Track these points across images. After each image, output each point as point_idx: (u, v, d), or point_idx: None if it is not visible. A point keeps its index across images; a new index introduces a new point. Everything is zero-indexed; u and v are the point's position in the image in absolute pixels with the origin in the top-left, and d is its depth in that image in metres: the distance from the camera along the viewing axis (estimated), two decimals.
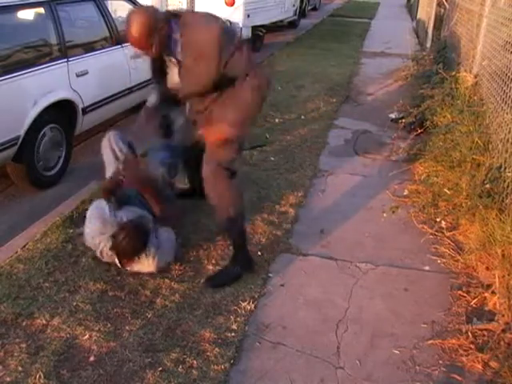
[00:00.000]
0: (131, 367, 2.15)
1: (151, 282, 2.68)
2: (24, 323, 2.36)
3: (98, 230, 2.66)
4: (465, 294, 2.66)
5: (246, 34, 8.63)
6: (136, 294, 2.60)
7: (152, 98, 2.86)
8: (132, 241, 2.56)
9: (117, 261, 2.65)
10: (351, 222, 3.41)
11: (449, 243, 3.11)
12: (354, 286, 2.75)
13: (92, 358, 2.18)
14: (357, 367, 2.21)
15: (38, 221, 3.27)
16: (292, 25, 12.74)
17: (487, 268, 2.72)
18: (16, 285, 2.62)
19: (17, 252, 2.89)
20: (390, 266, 2.93)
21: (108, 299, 2.54)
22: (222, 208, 2.61)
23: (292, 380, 2.13)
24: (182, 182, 3.42)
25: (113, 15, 4.69)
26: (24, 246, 2.94)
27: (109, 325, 2.37)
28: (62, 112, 3.92)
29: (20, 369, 2.11)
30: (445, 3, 7.36)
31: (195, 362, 2.18)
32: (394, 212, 3.34)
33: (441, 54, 6.11)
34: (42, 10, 3.82)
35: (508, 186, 2.82)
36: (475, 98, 4.07)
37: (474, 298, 2.61)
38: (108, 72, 4.45)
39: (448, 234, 3.18)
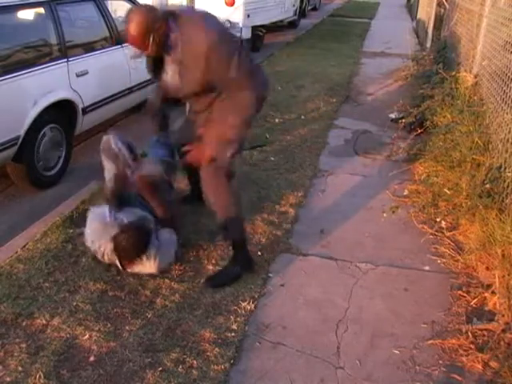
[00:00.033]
0: (131, 367, 2.15)
1: (151, 282, 2.68)
2: (24, 323, 2.36)
3: (98, 233, 2.65)
4: (465, 294, 2.66)
5: (246, 34, 8.63)
6: (136, 294, 2.60)
7: (152, 97, 2.87)
8: (133, 242, 2.56)
9: (118, 263, 2.65)
10: (351, 222, 3.41)
11: (449, 243, 3.11)
12: (354, 285, 2.75)
13: (92, 358, 2.19)
14: (357, 367, 2.21)
15: (37, 221, 3.27)
16: (292, 25, 12.75)
17: (487, 268, 2.72)
18: (16, 285, 2.62)
19: (17, 252, 2.89)
20: (389, 266, 2.93)
21: (108, 299, 2.54)
22: (221, 209, 2.61)
23: (292, 380, 2.13)
24: (182, 182, 3.42)
25: (113, 15, 4.70)
26: (24, 246, 2.94)
27: (109, 325, 2.37)
28: (61, 112, 3.92)
29: (20, 369, 2.11)
30: (445, 3, 7.36)
31: (195, 362, 2.18)
32: (393, 212, 3.34)
33: (441, 54, 6.11)
34: (41, 10, 3.82)
35: (508, 186, 2.82)
36: (475, 98, 4.07)
37: (474, 298, 2.61)
38: (108, 72, 4.45)
39: (448, 234, 3.18)
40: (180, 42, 2.25)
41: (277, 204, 3.56)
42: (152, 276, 2.70)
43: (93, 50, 4.34)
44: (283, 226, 3.29)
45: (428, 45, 8.43)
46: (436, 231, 3.22)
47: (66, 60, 3.92)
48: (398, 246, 3.13)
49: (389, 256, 3.03)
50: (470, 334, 2.37)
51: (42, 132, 3.73)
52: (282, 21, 11.47)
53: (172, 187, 3.08)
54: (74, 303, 2.50)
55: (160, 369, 2.14)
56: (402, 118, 4.93)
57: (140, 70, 4.54)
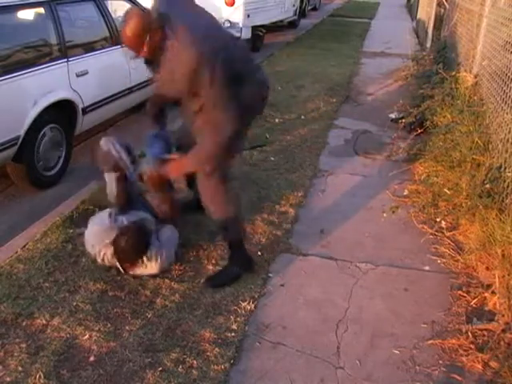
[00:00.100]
0: (131, 367, 2.15)
1: (151, 282, 2.68)
2: (24, 323, 2.36)
3: (98, 237, 2.65)
4: (465, 294, 2.66)
5: (246, 34, 8.63)
6: (136, 294, 2.60)
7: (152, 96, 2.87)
8: (132, 243, 2.56)
9: (119, 266, 2.65)
10: (351, 222, 3.41)
11: (449, 243, 3.11)
12: (354, 285, 2.75)
13: (92, 358, 2.19)
14: (357, 367, 2.21)
15: (38, 221, 3.27)
16: (292, 25, 12.74)
17: (487, 268, 2.72)
18: (16, 285, 2.62)
19: (17, 252, 2.89)
20: (390, 266, 2.93)
21: (108, 299, 2.55)
22: (218, 212, 2.63)
23: (292, 380, 2.13)
24: (181, 182, 3.42)
25: (113, 15, 4.70)
26: (24, 246, 2.94)
27: (109, 325, 2.37)
28: (61, 112, 3.92)
29: (20, 369, 2.11)
30: (445, 3, 7.36)
31: (195, 362, 2.18)
32: (393, 212, 3.34)
33: (441, 54, 6.11)
34: (41, 10, 3.82)
35: (508, 186, 2.82)
36: (475, 98, 4.07)
37: (474, 298, 2.61)
38: (108, 72, 4.45)
39: (448, 233, 3.18)
40: (170, 53, 2.25)
41: (277, 204, 3.56)
42: (152, 276, 2.70)
43: (93, 50, 4.34)
44: (283, 225, 3.29)
45: (428, 45, 8.43)
46: (436, 231, 3.22)
47: (65, 60, 3.92)
48: (398, 246, 3.13)
49: (389, 256, 3.03)
50: (470, 333, 2.37)
51: (42, 132, 3.73)
52: (282, 21, 11.47)
53: (172, 187, 3.08)
54: (74, 303, 2.50)
55: (160, 369, 2.14)
56: (402, 117, 4.93)
57: (140, 70, 4.58)
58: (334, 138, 4.99)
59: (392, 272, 2.89)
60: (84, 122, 4.20)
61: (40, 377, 2.06)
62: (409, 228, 3.34)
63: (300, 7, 13.20)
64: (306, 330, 2.42)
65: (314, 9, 17.21)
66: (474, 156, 3.33)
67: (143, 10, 2.35)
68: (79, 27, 4.49)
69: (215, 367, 2.15)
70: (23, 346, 2.23)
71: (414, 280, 2.82)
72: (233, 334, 2.34)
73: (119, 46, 4.59)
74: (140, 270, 2.67)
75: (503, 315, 2.40)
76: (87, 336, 2.30)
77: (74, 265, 2.80)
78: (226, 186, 2.60)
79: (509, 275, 2.46)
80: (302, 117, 5.56)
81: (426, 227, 3.29)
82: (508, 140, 2.97)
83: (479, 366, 2.20)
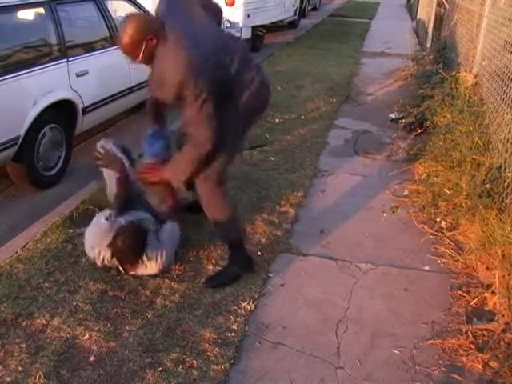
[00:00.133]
0: (131, 367, 2.15)
1: (151, 282, 2.68)
2: (24, 323, 2.36)
3: (97, 238, 2.65)
4: (465, 294, 2.66)
5: (246, 34, 8.63)
6: (136, 294, 2.60)
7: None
8: (129, 243, 2.56)
9: (120, 267, 2.65)
10: (351, 222, 3.41)
11: (449, 243, 3.11)
12: (354, 285, 2.75)
13: (92, 358, 2.19)
14: (357, 367, 2.21)
15: (38, 221, 3.27)
16: (292, 25, 12.75)
17: (487, 268, 2.72)
18: (16, 285, 2.62)
19: (17, 252, 2.89)
20: (390, 266, 2.93)
21: (108, 299, 2.55)
22: (215, 215, 2.63)
23: (292, 380, 2.13)
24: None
25: (113, 15, 4.70)
26: (24, 246, 2.94)
27: (109, 325, 2.37)
28: (61, 112, 3.92)
29: (20, 369, 2.11)
30: (445, 3, 7.36)
31: (195, 362, 2.18)
32: (393, 212, 3.34)
33: (441, 54, 6.11)
34: (41, 10, 3.82)
35: (508, 186, 2.82)
36: (475, 98, 4.07)
37: (474, 298, 2.61)
38: (108, 72, 4.45)
39: (448, 234, 3.18)
40: (161, 61, 2.26)
41: (277, 204, 3.56)
42: (152, 276, 2.70)
43: (93, 49, 4.34)
44: (283, 225, 3.29)
45: (428, 45, 8.43)
46: (436, 231, 3.22)
47: (65, 60, 3.92)
48: (398, 246, 3.13)
49: (389, 256, 3.03)
50: (470, 333, 2.37)
51: (42, 132, 3.73)
52: (282, 21, 11.47)
53: (172, 187, 3.08)
54: (74, 303, 2.50)
55: (160, 369, 2.14)
56: (402, 117, 4.93)
57: (140, 70, 4.58)
58: (334, 138, 4.99)
59: (392, 272, 2.89)
60: (84, 122, 4.20)
61: (40, 377, 2.06)
62: (409, 228, 3.34)
63: (300, 7, 13.21)
64: (305, 330, 2.42)
65: (314, 9, 17.21)
66: (474, 156, 3.33)
67: (142, 13, 2.36)
68: (79, 27, 4.49)
69: (215, 367, 2.15)
70: (23, 345, 2.23)
71: (413, 280, 2.82)
72: (233, 334, 2.34)
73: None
74: (140, 270, 2.67)
75: (503, 315, 2.40)
76: (87, 336, 2.30)
77: (74, 265, 2.80)
78: (222, 189, 2.61)
79: (509, 275, 2.46)
80: (302, 117, 5.56)
81: (426, 227, 3.29)
82: (508, 140, 2.97)
83: (479, 366, 2.20)
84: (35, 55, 3.73)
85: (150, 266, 2.65)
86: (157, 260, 2.63)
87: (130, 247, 2.58)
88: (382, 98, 6.48)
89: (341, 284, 2.76)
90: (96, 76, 4.25)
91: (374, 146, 4.78)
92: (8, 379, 2.06)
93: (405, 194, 3.74)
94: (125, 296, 2.57)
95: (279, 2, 10.54)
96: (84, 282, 2.65)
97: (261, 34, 9.61)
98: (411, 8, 16.19)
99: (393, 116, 5.49)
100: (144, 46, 2.23)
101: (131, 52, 2.27)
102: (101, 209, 2.95)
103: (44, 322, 2.37)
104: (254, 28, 9.08)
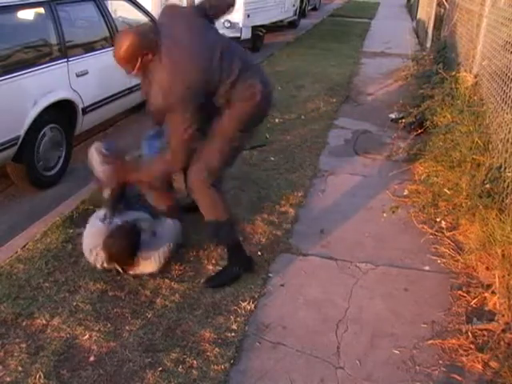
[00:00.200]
0: (131, 367, 2.15)
1: (151, 282, 2.68)
2: (24, 323, 2.36)
3: (94, 239, 2.65)
4: (465, 294, 2.66)
5: (246, 34, 8.63)
6: (136, 294, 2.60)
7: None
8: (120, 244, 2.55)
9: (118, 267, 2.65)
10: (351, 222, 3.41)
11: (449, 243, 3.11)
12: (354, 285, 2.75)
13: (92, 358, 2.19)
14: (357, 367, 2.21)
15: (38, 221, 3.27)
16: (292, 25, 12.75)
17: (487, 268, 2.72)
18: (16, 285, 2.62)
19: (17, 252, 2.89)
20: (390, 266, 2.93)
21: (108, 299, 2.54)
22: (210, 216, 2.64)
23: (292, 380, 2.13)
24: (180, 182, 3.41)
25: (113, 15, 4.70)
26: (24, 246, 2.94)
27: (109, 325, 2.37)
28: (62, 112, 3.92)
29: (20, 369, 2.11)
30: (445, 3, 7.36)
31: (195, 362, 2.18)
32: (393, 212, 3.34)
33: (441, 54, 6.11)
34: (41, 10, 3.82)
35: (508, 186, 2.82)
36: (475, 98, 4.07)
37: (474, 298, 2.61)
38: (108, 72, 4.43)
39: (448, 234, 3.18)
40: (155, 74, 2.29)
41: (277, 204, 3.56)
42: (152, 276, 2.70)
43: (93, 50, 4.35)
44: (283, 225, 3.29)
45: (428, 45, 8.43)
46: (436, 231, 3.22)
47: (65, 60, 3.92)
48: (398, 246, 3.13)
49: (389, 256, 3.03)
50: (470, 333, 2.37)
51: (42, 132, 3.73)
52: (282, 21, 11.48)
53: (171, 186, 3.08)
54: (74, 303, 2.50)
55: (160, 369, 2.14)
56: (402, 117, 4.93)
57: None
58: (334, 138, 4.99)
59: (392, 272, 2.89)
60: (84, 122, 4.21)
61: (40, 377, 2.06)
62: (409, 228, 3.34)
63: (300, 7, 13.21)
64: (306, 330, 2.41)
65: (314, 9, 17.22)
66: (474, 156, 3.33)
67: (138, 28, 2.40)
68: (79, 27, 4.49)
69: (215, 367, 2.15)
70: (23, 345, 2.23)
71: (413, 280, 2.82)
72: (233, 334, 2.34)
73: None
74: (139, 270, 2.67)
75: (503, 315, 2.40)
76: (87, 336, 2.30)
77: (74, 265, 2.80)
78: (214, 190, 2.60)
79: (509, 275, 2.46)
80: (302, 117, 5.56)
81: (426, 227, 3.29)
82: (508, 140, 2.97)
83: (479, 366, 2.20)
84: (35, 55, 3.73)
85: (147, 265, 2.64)
86: (153, 258, 2.63)
87: (122, 248, 2.57)
88: (382, 98, 6.48)
89: (341, 284, 2.76)
90: (96, 76, 4.25)
91: (374, 145, 4.78)
92: (8, 379, 2.06)
93: (405, 194, 3.73)
94: (125, 296, 2.57)
95: (279, 2, 10.54)
96: (84, 282, 2.65)
97: (261, 33, 9.61)
98: (411, 8, 16.19)
99: (393, 116, 5.49)
100: (139, 62, 2.27)
101: (126, 66, 2.32)
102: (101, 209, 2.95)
103: (44, 321, 2.37)
104: (254, 28, 9.08)
